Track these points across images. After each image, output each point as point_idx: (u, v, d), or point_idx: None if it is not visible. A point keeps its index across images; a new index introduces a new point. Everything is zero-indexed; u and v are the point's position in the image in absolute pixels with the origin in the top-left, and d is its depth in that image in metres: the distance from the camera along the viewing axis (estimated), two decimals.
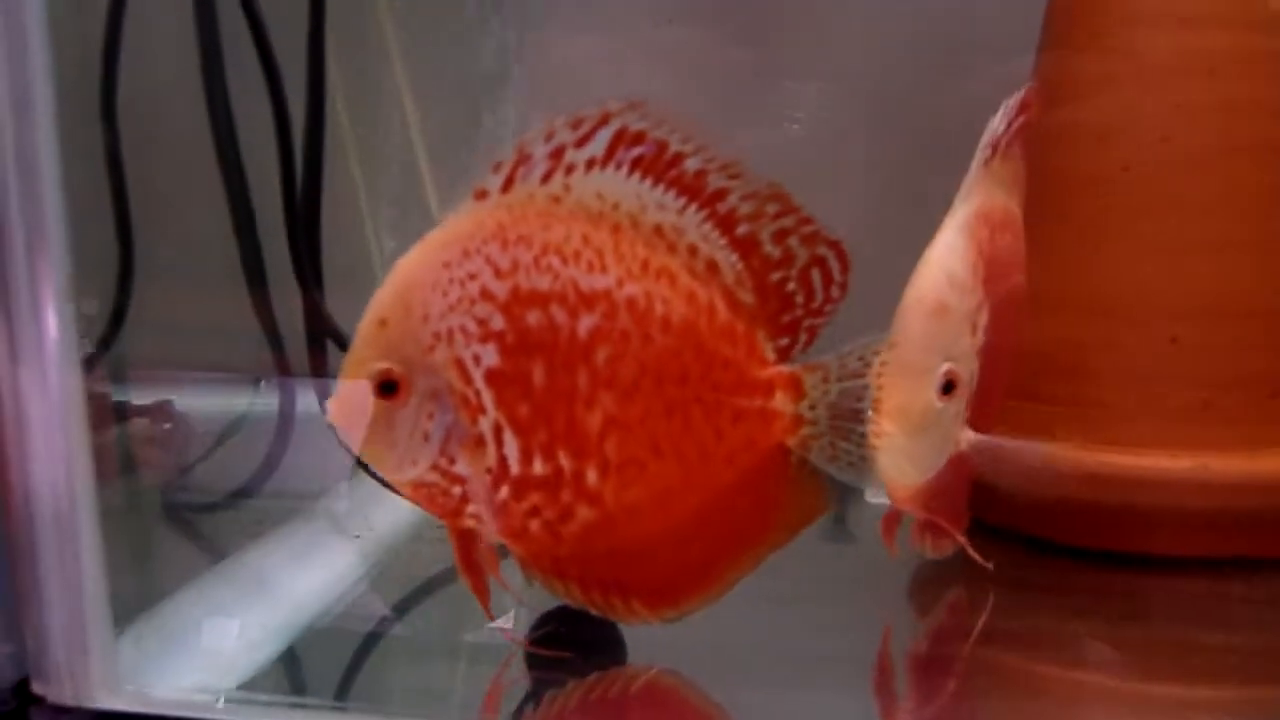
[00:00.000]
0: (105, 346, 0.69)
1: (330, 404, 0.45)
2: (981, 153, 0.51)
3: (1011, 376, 0.57)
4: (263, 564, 0.62)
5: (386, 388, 0.44)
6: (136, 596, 0.53)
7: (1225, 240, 0.62)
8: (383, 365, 0.44)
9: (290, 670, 0.53)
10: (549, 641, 0.50)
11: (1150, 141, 0.62)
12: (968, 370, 0.49)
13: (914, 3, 0.78)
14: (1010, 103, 0.53)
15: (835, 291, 0.48)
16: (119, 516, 0.64)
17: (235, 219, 0.69)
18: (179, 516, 0.72)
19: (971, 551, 0.54)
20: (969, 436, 0.51)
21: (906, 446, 0.47)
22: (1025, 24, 0.69)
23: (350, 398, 0.45)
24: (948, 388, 0.48)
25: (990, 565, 0.54)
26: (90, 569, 0.45)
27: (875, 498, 0.78)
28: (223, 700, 0.47)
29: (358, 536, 0.65)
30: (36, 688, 0.45)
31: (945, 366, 0.48)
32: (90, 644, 0.45)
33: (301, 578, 0.58)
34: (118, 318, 0.71)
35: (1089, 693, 0.51)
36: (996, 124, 0.52)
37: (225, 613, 0.56)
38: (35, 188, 0.42)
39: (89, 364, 0.50)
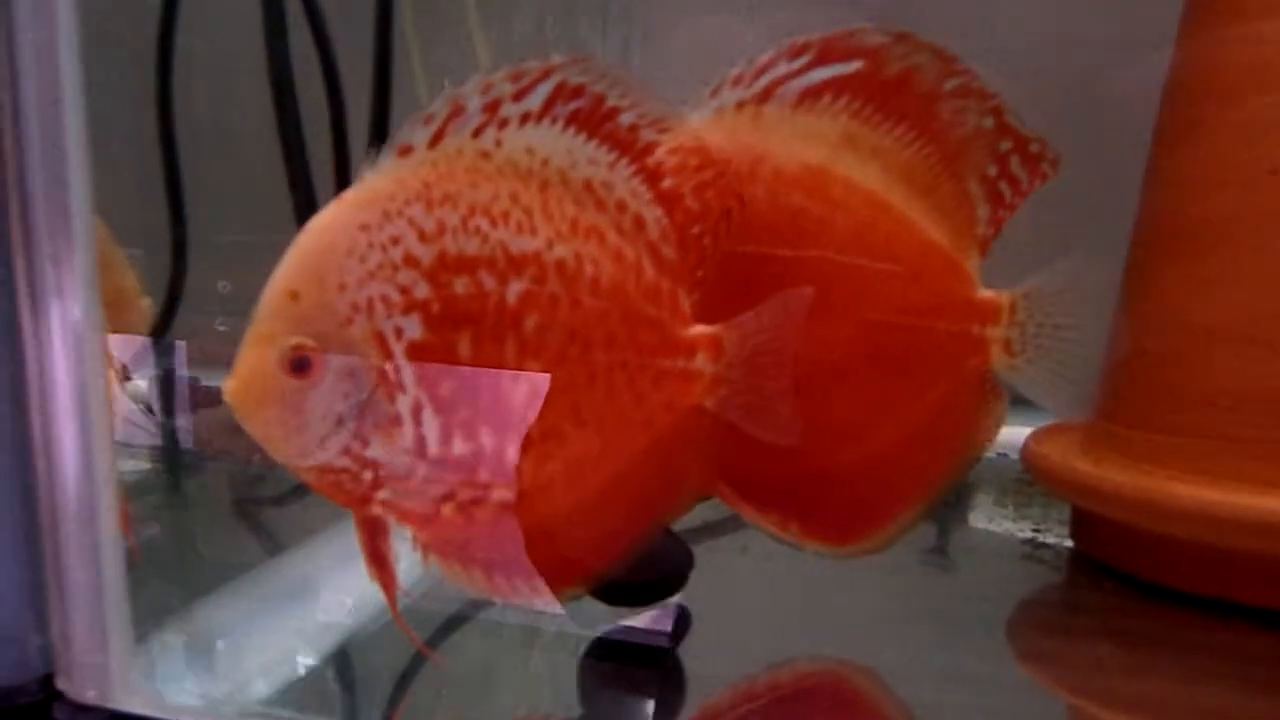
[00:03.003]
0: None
1: (229, 382, 0.40)
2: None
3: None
4: (308, 567, 0.58)
5: (298, 365, 0.40)
6: (174, 597, 0.52)
7: None
8: (294, 340, 0.40)
9: (321, 685, 0.50)
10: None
11: None
12: None
13: None
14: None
15: (725, 244, 0.46)
16: (178, 512, 0.64)
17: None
18: (243, 510, 0.68)
19: None
20: None
21: None
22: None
23: (254, 376, 0.40)
24: None
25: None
26: (111, 571, 0.44)
27: (977, 521, 0.73)
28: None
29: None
30: (60, 684, 0.45)
31: None
32: (111, 646, 0.44)
33: (347, 583, 0.56)
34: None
35: None
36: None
37: (262, 618, 0.53)
38: (61, 172, 0.40)
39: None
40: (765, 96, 0.48)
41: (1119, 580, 0.60)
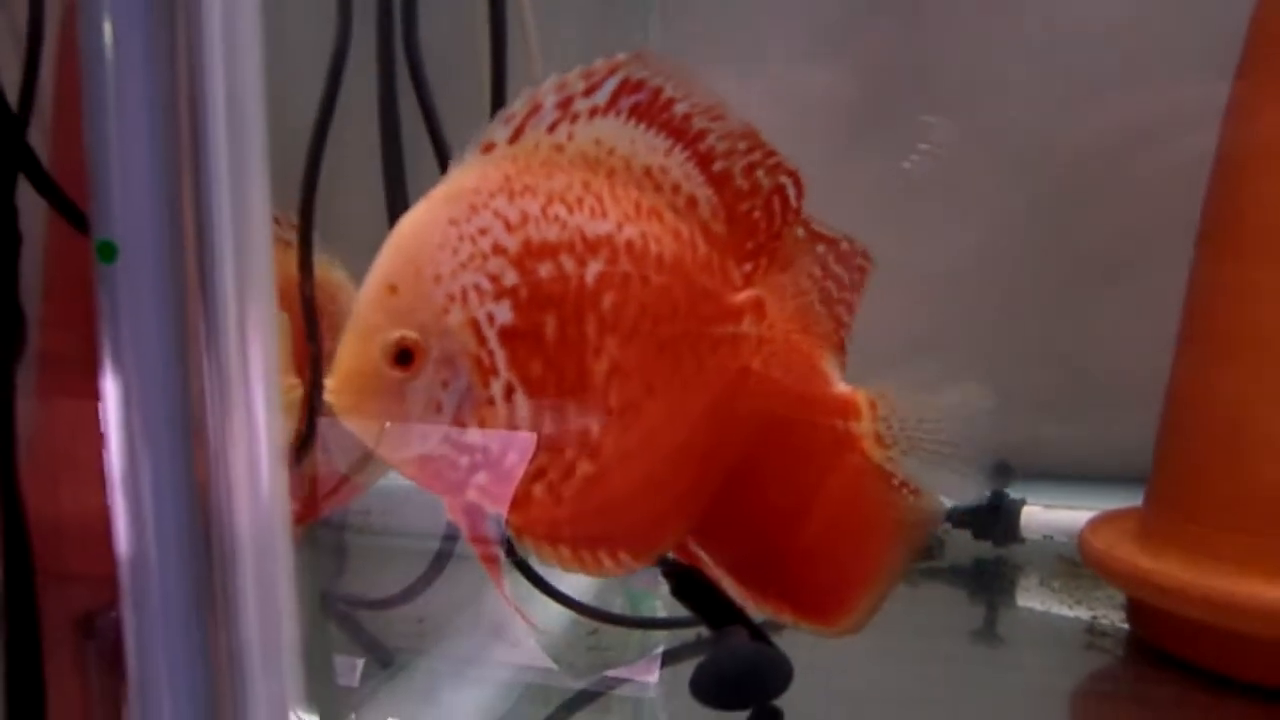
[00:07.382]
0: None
1: (332, 382, 0.42)
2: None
3: None
4: (429, 680, 0.58)
5: (402, 358, 0.42)
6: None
7: None
8: (396, 334, 0.42)
9: None
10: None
11: None
12: None
13: None
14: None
15: (790, 216, 0.50)
16: None
17: None
18: (339, 614, 0.66)
19: None
20: None
21: None
22: None
23: (357, 371, 0.42)
24: None
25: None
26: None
27: (1027, 602, 0.75)
28: None
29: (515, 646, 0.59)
30: None
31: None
32: None
33: (470, 693, 0.56)
34: None
35: None
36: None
37: None
38: (247, 222, 0.37)
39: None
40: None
41: (1180, 669, 0.61)
